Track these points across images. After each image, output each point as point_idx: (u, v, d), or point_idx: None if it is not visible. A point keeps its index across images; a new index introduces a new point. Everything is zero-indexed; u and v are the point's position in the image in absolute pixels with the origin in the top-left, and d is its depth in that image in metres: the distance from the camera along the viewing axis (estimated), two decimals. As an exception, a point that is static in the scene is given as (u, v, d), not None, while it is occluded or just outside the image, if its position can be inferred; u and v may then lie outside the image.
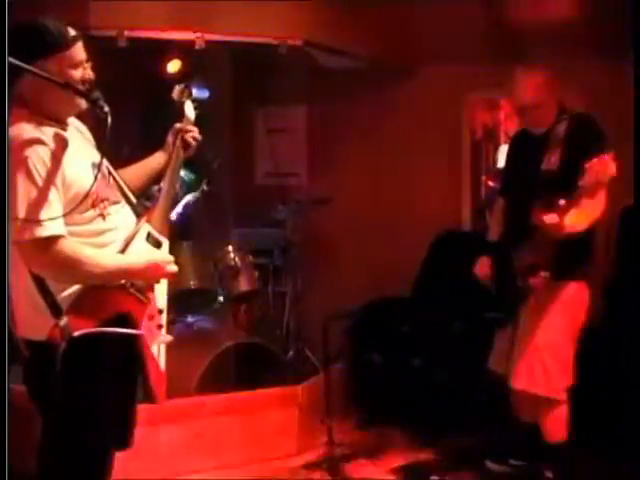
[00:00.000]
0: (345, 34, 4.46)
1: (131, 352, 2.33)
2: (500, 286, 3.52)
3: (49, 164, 2.14)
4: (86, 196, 2.19)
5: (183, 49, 4.40)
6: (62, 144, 2.20)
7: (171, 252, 2.51)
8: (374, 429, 4.34)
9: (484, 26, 4.38)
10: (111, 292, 2.29)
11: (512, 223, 3.56)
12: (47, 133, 2.18)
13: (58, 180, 2.16)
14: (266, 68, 5.02)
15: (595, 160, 2.93)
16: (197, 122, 2.74)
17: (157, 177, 2.69)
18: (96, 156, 2.28)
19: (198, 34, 3.96)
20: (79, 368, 2.23)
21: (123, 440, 2.40)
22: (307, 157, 5.58)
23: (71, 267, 2.18)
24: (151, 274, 2.36)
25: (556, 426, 3.41)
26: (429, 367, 4.41)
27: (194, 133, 2.72)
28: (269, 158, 5.59)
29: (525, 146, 3.57)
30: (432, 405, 4.24)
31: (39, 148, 2.14)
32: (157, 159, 2.70)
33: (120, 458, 2.45)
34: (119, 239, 2.34)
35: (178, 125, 2.71)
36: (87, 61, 2.29)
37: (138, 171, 2.68)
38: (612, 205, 3.27)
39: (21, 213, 2.09)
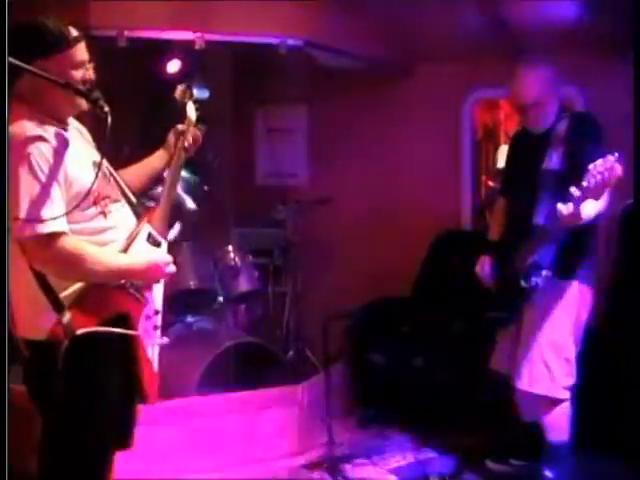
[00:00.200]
0: (345, 34, 4.46)
1: (129, 352, 2.33)
2: (502, 286, 3.51)
3: (51, 161, 2.14)
4: (88, 193, 2.19)
5: (183, 49, 4.40)
6: (63, 142, 2.21)
7: (171, 252, 2.51)
8: (374, 429, 4.33)
9: (484, 26, 4.38)
10: (111, 291, 2.29)
11: (512, 223, 3.56)
12: (49, 131, 2.19)
13: (60, 177, 2.16)
14: (266, 68, 5.00)
15: (600, 161, 2.88)
16: (197, 122, 2.74)
17: (157, 177, 2.70)
18: (96, 156, 2.29)
19: (198, 34, 3.96)
20: (80, 367, 2.23)
21: (123, 440, 2.40)
22: (307, 157, 5.57)
23: (73, 264, 2.18)
24: (151, 274, 2.37)
25: (558, 425, 3.41)
26: (429, 367, 4.42)
27: (196, 135, 2.72)
28: (269, 158, 5.59)
29: (525, 145, 3.56)
30: (432, 405, 4.24)
31: (41, 145, 2.14)
32: (157, 159, 2.71)
33: (120, 458, 2.45)
34: (120, 238, 2.34)
35: (180, 126, 2.71)
36: (89, 62, 2.29)
37: (138, 171, 2.68)
38: (612, 205, 3.26)
39: (23, 210, 2.09)
